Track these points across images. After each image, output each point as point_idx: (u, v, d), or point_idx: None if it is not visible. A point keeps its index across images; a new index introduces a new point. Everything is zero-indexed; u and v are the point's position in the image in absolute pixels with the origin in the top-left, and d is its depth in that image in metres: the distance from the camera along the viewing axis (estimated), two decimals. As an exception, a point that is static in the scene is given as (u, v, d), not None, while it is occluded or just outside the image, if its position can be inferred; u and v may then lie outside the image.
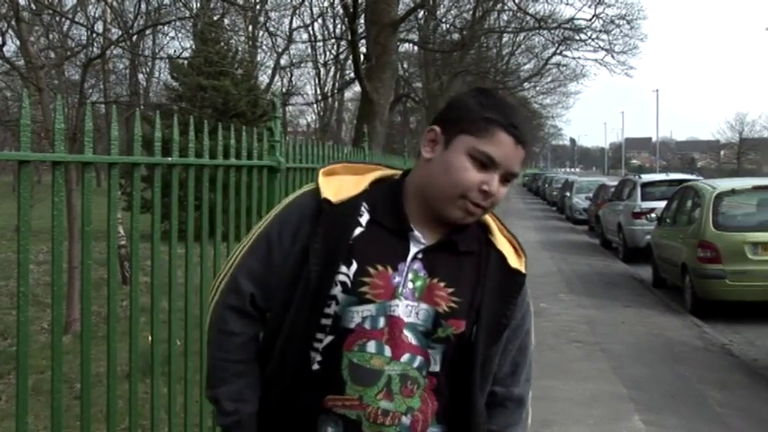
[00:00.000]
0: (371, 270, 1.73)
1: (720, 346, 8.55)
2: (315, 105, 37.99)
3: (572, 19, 26.32)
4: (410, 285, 1.75)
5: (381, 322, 1.72)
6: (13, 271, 8.57)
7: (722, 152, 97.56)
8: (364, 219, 1.78)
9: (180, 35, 27.67)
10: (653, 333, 9.15)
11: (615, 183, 22.12)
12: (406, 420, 1.72)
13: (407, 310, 1.73)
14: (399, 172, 1.91)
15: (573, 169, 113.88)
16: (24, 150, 2.37)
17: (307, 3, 25.34)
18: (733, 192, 10.92)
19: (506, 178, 1.76)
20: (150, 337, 3.20)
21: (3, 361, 7.50)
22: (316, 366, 1.76)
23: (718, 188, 10.97)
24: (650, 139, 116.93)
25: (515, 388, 1.91)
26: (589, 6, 25.64)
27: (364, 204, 1.79)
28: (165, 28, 23.58)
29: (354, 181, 1.84)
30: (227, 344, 1.83)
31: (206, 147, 3.60)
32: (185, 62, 22.58)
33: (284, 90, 33.61)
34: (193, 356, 3.52)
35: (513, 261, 1.85)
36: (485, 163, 1.72)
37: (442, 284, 1.76)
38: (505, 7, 27.22)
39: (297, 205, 1.84)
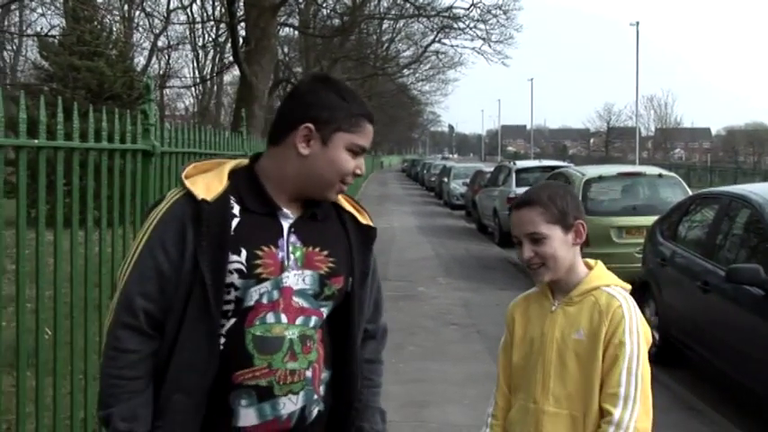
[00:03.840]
0: (259, 252, 1.90)
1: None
2: (193, 89, 37.22)
3: (451, 8, 26.78)
4: (292, 257, 1.95)
5: (276, 295, 1.91)
6: None
7: (592, 140, 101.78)
8: (236, 209, 1.93)
9: (49, 12, 26.43)
10: (526, 315, 9.47)
11: (491, 169, 22.66)
12: (308, 374, 1.95)
13: (295, 279, 1.94)
14: (244, 160, 2.07)
15: (451, 155, 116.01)
16: None
17: (184, -18, 24.69)
18: (600, 178, 11.41)
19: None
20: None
21: None
22: (221, 348, 1.88)
23: (587, 175, 11.45)
24: (525, 126, 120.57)
25: (381, 321, 2.25)
26: (467, -5, 26.08)
27: (231, 196, 1.94)
28: (33, 3, 22.52)
29: (215, 177, 1.96)
30: (122, 361, 1.85)
31: (76, 129, 3.47)
32: (56, 40, 21.60)
33: (161, 72, 32.71)
34: (63, 347, 3.40)
35: (363, 219, 2.14)
36: (358, 152, 1.99)
37: (317, 250, 1.99)
38: (385, -6, 27.39)
39: (173, 215, 1.89)
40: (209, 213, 1.87)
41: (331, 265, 1.99)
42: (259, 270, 1.89)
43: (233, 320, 1.89)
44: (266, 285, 1.90)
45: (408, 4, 25.89)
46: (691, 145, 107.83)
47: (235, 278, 1.87)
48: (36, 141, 3.14)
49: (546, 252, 2.23)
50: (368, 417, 2.14)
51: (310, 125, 1.94)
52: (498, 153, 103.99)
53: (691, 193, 9.88)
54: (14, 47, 31.52)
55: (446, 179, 31.95)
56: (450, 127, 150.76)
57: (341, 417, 2.07)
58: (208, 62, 37.11)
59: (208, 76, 35.08)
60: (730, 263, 6.00)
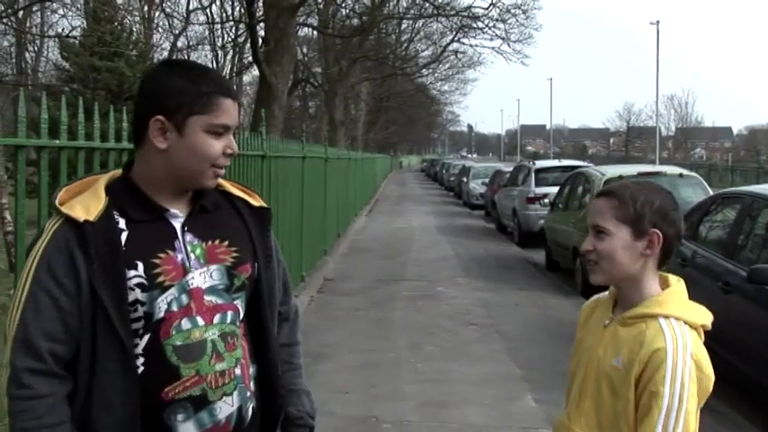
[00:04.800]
0: (157, 261, 1.82)
1: (608, 327, 8.88)
2: (212, 88, 37.24)
3: (470, 7, 26.66)
4: (193, 256, 1.88)
5: (185, 299, 1.84)
6: None
7: (611, 140, 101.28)
8: (122, 223, 1.84)
9: (70, 13, 26.62)
10: (546, 315, 9.43)
11: (510, 169, 22.60)
12: (238, 371, 1.89)
13: (202, 277, 1.87)
14: (117, 172, 1.96)
15: (469, 155, 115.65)
16: None
17: (204, -17, 24.77)
18: (620, 178, 11.32)
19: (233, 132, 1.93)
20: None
21: None
22: (141, 369, 1.80)
23: (607, 174, 11.40)
24: (545, 126, 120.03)
25: (291, 302, 2.21)
26: (486, -5, 25.98)
27: (114, 211, 1.84)
28: (54, 5, 22.70)
29: (91, 196, 1.85)
30: (39, 409, 1.71)
31: (97, 129, 3.50)
32: (76, 41, 21.75)
33: (180, 72, 32.75)
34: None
35: (255, 201, 2.07)
36: (221, 132, 1.87)
37: (217, 242, 1.92)
38: (404, -7, 27.35)
39: (57, 245, 1.77)
40: (94, 234, 1.76)
41: (235, 254, 1.93)
42: (161, 279, 1.81)
43: (147, 337, 1.80)
44: (172, 292, 1.82)
45: (427, 4, 25.84)
46: (712, 144, 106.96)
47: (138, 294, 1.78)
48: (57, 142, 3.16)
49: (603, 250, 2.00)
50: (293, 400, 2.10)
51: (160, 117, 1.83)
52: (517, 153, 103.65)
53: (712, 192, 9.80)
54: (36, 48, 31.77)
55: (465, 179, 31.89)
56: (470, 127, 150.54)
57: (268, 406, 2.01)
58: (227, 62, 37.20)
59: (227, 77, 35.20)
60: (752, 263, 5.95)
